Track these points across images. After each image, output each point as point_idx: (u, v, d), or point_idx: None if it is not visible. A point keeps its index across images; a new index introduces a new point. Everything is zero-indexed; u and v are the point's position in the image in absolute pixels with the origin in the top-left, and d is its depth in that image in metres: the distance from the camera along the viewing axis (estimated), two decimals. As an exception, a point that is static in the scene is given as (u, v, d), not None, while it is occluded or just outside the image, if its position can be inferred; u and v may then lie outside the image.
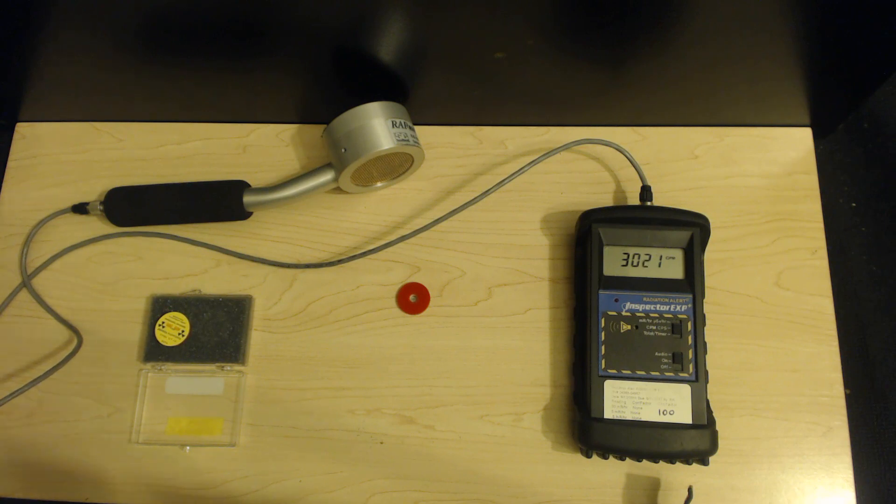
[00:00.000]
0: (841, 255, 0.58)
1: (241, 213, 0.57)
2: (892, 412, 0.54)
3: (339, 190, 0.58)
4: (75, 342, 0.55)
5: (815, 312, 0.54)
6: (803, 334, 0.53)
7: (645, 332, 0.50)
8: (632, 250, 0.52)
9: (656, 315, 0.50)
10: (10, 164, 0.62)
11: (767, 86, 0.53)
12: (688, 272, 0.51)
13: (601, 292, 0.51)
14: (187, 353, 0.54)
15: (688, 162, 0.59)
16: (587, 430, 0.48)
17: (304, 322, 0.56)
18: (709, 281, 0.55)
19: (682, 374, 0.49)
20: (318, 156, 0.61)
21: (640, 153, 0.59)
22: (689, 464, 0.48)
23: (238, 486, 0.52)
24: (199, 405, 0.54)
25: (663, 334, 0.50)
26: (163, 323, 0.55)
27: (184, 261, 0.58)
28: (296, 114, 0.60)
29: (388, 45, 0.50)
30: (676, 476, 0.51)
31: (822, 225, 0.56)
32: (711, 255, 0.55)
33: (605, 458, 0.50)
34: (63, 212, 0.59)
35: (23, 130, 0.63)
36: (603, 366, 0.50)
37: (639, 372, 0.49)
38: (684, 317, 0.50)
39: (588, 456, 0.50)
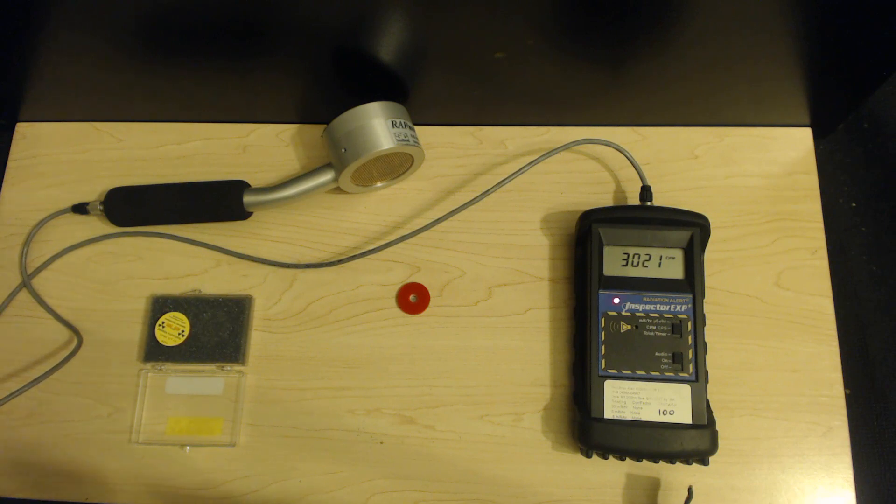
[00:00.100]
0: (841, 255, 0.58)
1: (241, 213, 0.57)
2: (892, 412, 0.54)
3: (339, 190, 0.58)
4: (75, 342, 0.55)
5: (815, 312, 0.54)
6: (803, 334, 0.53)
7: (645, 332, 0.50)
8: (632, 250, 0.52)
9: (656, 315, 0.50)
10: (10, 164, 0.62)
11: (767, 86, 0.53)
12: (688, 272, 0.51)
13: (601, 292, 0.51)
14: (187, 353, 0.54)
15: (688, 162, 0.59)
16: (587, 430, 0.48)
17: (304, 322, 0.56)
18: (709, 281, 0.55)
19: (682, 374, 0.49)
20: (318, 156, 0.61)
21: (640, 153, 0.59)
22: (689, 464, 0.48)
23: (238, 486, 0.52)
24: (199, 405, 0.54)
25: (663, 334, 0.50)
26: (163, 323, 0.55)
27: (184, 261, 0.58)
28: (296, 114, 0.60)
29: (388, 45, 0.50)
30: (676, 476, 0.51)
31: (822, 225, 0.56)
32: (711, 255, 0.55)
33: (605, 458, 0.50)
34: (63, 212, 0.59)
35: (23, 130, 0.63)
36: (603, 366, 0.50)
37: (639, 372, 0.49)
38: (684, 317, 0.50)
39: (588, 456, 0.50)
